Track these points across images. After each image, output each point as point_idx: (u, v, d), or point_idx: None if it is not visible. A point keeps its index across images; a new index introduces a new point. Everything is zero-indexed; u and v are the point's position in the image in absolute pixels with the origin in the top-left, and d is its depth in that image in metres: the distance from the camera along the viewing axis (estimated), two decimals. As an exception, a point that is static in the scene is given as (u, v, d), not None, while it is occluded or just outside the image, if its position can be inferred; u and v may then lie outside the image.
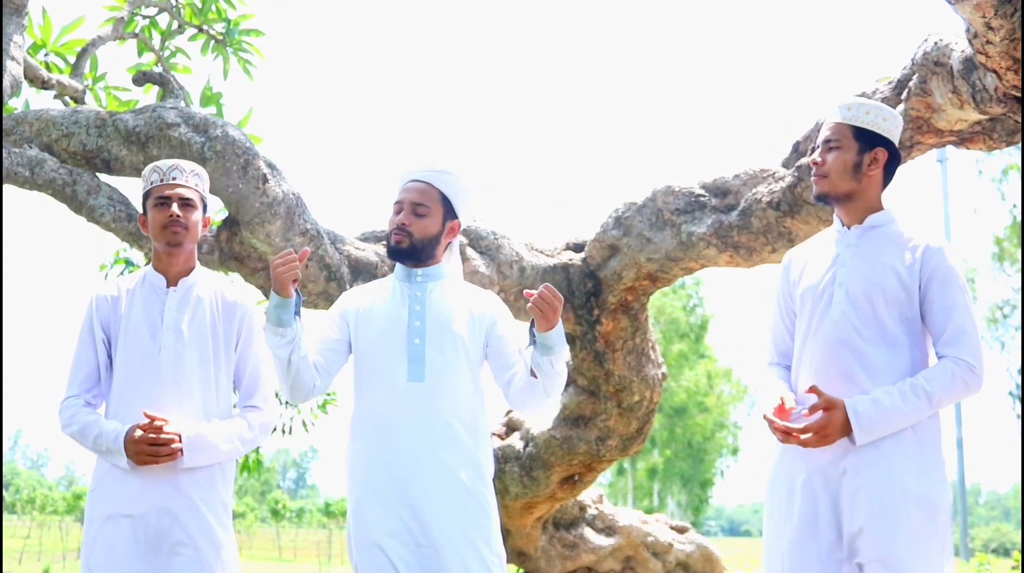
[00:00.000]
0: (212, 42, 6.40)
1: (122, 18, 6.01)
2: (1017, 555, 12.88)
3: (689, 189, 5.07)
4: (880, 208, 2.84)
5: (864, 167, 2.79)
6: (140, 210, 3.21)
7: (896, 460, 2.60)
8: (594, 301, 5.41)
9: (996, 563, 16.53)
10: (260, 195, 4.60)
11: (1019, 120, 3.98)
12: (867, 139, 2.79)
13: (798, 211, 4.66)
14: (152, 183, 3.12)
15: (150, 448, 2.88)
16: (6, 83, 4.64)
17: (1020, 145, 4.28)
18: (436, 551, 2.78)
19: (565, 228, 5.76)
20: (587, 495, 6.93)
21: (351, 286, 4.96)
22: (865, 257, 2.76)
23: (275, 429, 8.48)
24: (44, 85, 5.46)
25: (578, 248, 5.59)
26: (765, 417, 2.72)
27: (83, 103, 5.65)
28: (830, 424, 2.59)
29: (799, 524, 2.68)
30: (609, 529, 6.99)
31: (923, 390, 2.61)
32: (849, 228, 2.83)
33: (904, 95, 4.25)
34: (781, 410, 2.70)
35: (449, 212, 3.08)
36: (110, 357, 3.09)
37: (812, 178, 2.85)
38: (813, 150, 2.90)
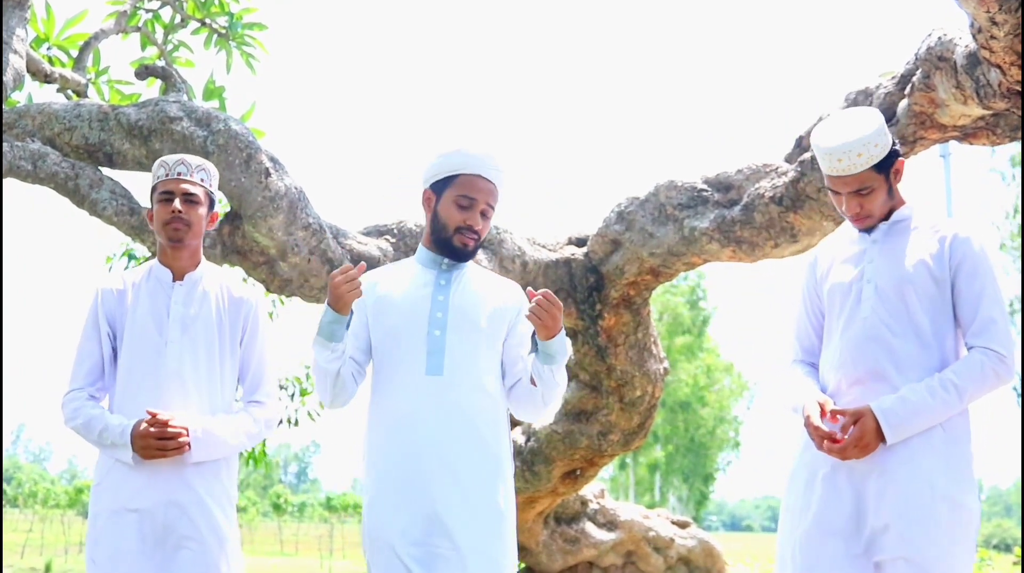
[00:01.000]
0: (215, 36, 6.40)
1: (125, 12, 6.01)
2: (1018, 551, 12.89)
3: (691, 184, 5.07)
4: (903, 202, 2.83)
5: (894, 185, 2.80)
6: (148, 204, 3.20)
7: (925, 459, 2.58)
8: (596, 296, 5.42)
9: (997, 559, 16.55)
10: (262, 189, 4.60)
11: (1022, 115, 3.98)
12: (886, 164, 2.76)
13: (800, 206, 4.65)
14: (158, 178, 3.11)
15: (158, 442, 2.88)
16: (8, 77, 4.64)
17: (1022, 140, 4.26)
18: (449, 552, 2.68)
19: (565, 226, 5.75)
20: (588, 490, 6.94)
21: (353, 280, 4.96)
22: (893, 252, 2.74)
23: (280, 422, 8.48)
24: (47, 79, 5.46)
25: (580, 243, 5.59)
26: (809, 422, 2.66)
27: (86, 97, 5.65)
28: (864, 434, 2.56)
29: (816, 517, 2.66)
30: (610, 524, 7.00)
31: (952, 384, 2.57)
32: (876, 226, 2.81)
33: (907, 90, 4.25)
34: (823, 415, 2.67)
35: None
36: (115, 350, 3.09)
37: (852, 220, 2.80)
38: (835, 192, 2.79)
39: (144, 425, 2.90)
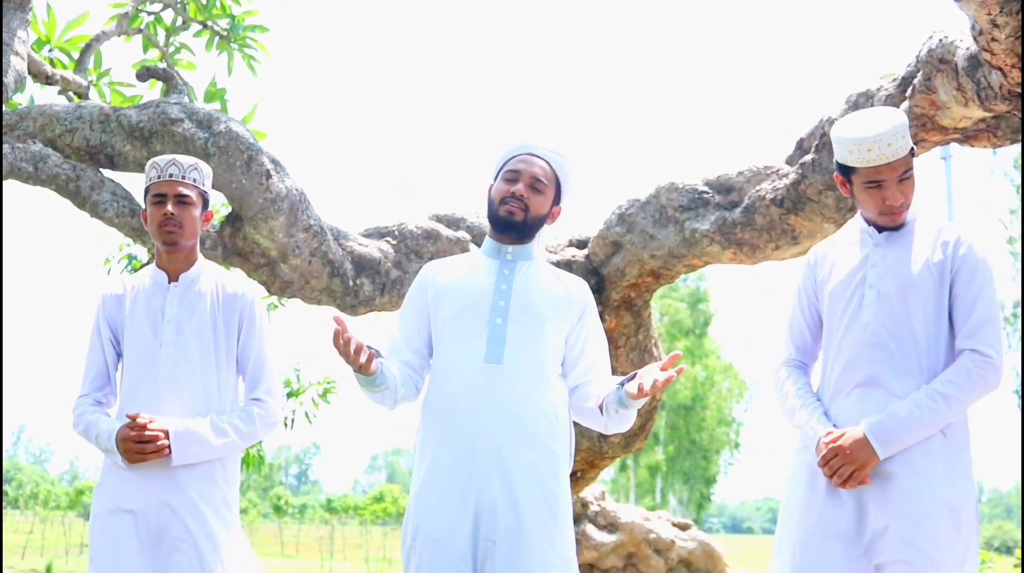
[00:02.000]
0: (216, 38, 6.40)
1: (126, 14, 6.01)
2: (1019, 553, 12.88)
3: (693, 186, 5.06)
4: None
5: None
6: (142, 205, 3.21)
7: (925, 462, 2.58)
8: (597, 298, 5.41)
9: (998, 561, 16.53)
10: (263, 191, 4.61)
11: (1023, 117, 3.97)
12: (912, 152, 2.74)
13: (802, 208, 4.65)
14: (150, 179, 3.11)
15: (137, 445, 2.89)
16: (10, 78, 4.65)
17: (1022, 143, 4.26)
18: (495, 551, 2.59)
19: (566, 228, 5.75)
20: (589, 492, 6.94)
21: (354, 282, 4.96)
22: (897, 256, 2.73)
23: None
24: (48, 81, 5.46)
25: (581, 245, 5.59)
26: (823, 445, 2.64)
27: (87, 99, 5.66)
28: (854, 456, 2.57)
29: (818, 518, 2.65)
30: (611, 526, 7.00)
31: (939, 394, 2.57)
32: (879, 230, 2.78)
33: (909, 92, 4.25)
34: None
35: (557, 196, 2.93)
36: (119, 355, 3.11)
37: (888, 215, 2.73)
38: (874, 184, 2.70)
39: (124, 428, 2.91)
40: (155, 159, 3.14)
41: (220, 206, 5.23)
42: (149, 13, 6.31)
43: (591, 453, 5.79)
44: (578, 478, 6.05)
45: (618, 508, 7.15)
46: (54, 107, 4.82)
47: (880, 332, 2.67)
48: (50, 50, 5.93)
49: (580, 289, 2.95)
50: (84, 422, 3.03)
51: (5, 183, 4.59)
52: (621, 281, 5.32)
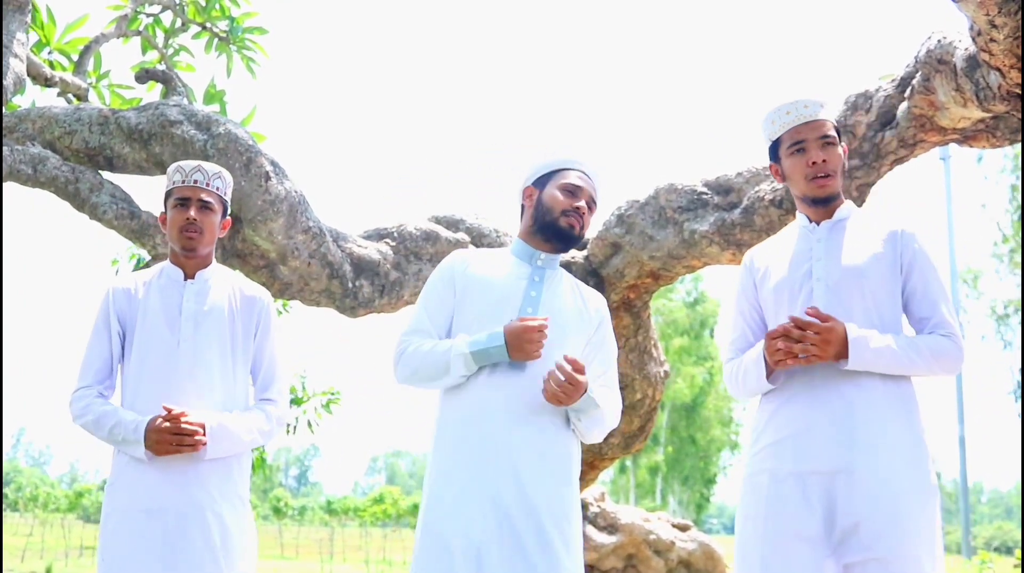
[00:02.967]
0: (216, 40, 6.41)
1: (126, 16, 6.02)
2: (1019, 553, 12.88)
3: (692, 187, 5.07)
4: (843, 201, 2.87)
5: (845, 164, 2.86)
6: (148, 207, 3.22)
7: (889, 457, 2.59)
8: (597, 299, 5.42)
9: (998, 561, 16.52)
10: (262, 193, 4.61)
11: (1022, 118, 3.98)
12: (839, 135, 2.85)
13: (801, 209, 4.65)
14: (174, 183, 3.13)
15: (174, 437, 2.88)
16: (9, 81, 4.65)
17: (1022, 143, 4.27)
18: (509, 555, 2.59)
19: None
20: (589, 493, 6.94)
21: (353, 284, 4.96)
22: (841, 249, 2.77)
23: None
24: (47, 83, 5.47)
25: (581, 246, 5.59)
26: (770, 337, 2.63)
27: (86, 101, 5.66)
28: (833, 332, 2.57)
29: (784, 523, 2.63)
30: (611, 527, 7.00)
31: (914, 342, 2.64)
32: (819, 224, 2.83)
33: (907, 93, 4.25)
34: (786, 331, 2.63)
35: None
36: (123, 349, 3.10)
37: (814, 180, 2.79)
38: (798, 147, 2.80)
39: (159, 420, 2.89)
40: (180, 163, 3.16)
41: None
42: (148, 15, 6.31)
43: (591, 454, 5.79)
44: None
45: (618, 509, 7.15)
46: (53, 109, 4.82)
47: None
48: (49, 52, 5.93)
49: (598, 301, 3.01)
50: (94, 413, 2.98)
51: (4, 185, 4.59)
52: (620, 282, 5.32)
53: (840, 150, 2.82)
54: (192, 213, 3.06)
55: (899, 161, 4.51)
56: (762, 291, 2.87)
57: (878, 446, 2.60)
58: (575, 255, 5.50)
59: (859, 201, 4.60)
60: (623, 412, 5.67)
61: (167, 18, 6.38)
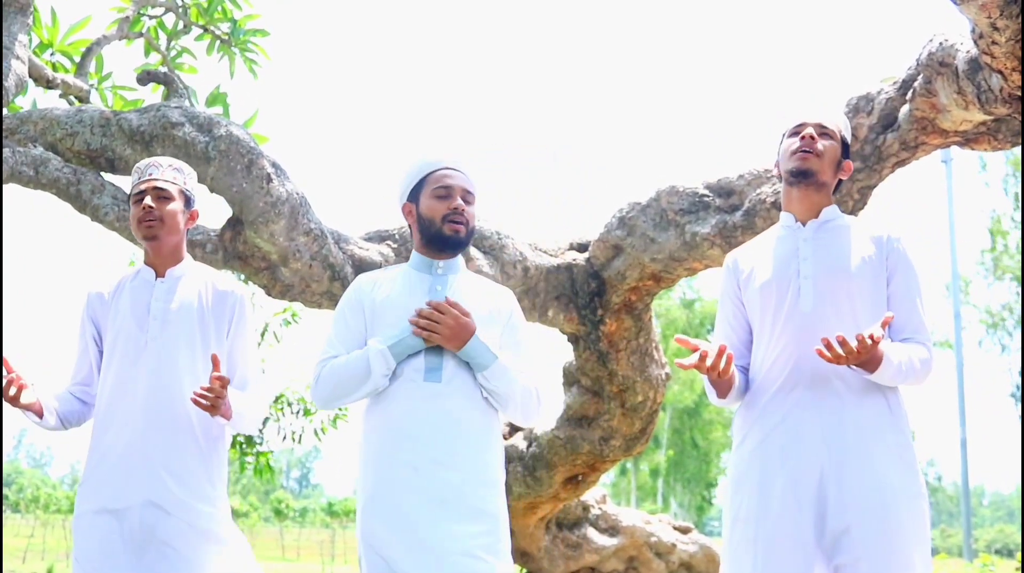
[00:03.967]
0: (218, 42, 6.42)
1: (128, 18, 6.03)
2: (1020, 556, 12.88)
3: (693, 189, 5.07)
4: (832, 204, 2.90)
5: (839, 171, 2.88)
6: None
7: (881, 459, 2.61)
8: (598, 301, 5.42)
9: (1000, 564, 16.50)
10: (264, 194, 4.61)
11: (1023, 120, 3.98)
12: (845, 150, 2.90)
13: (802, 211, 4.65)
14: (133, 183, 3.18)
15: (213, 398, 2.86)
16: (11, 82, 4.65)
17: (1023, 146, 4.27)
18: (435, 558, 2.62)
19: (567, 232, 5.76)
20: (590, 495, 6.94)
21: (355, 286, 4.96)
22: (829, 249, 2.78)
23: (285, 437, 8.60)
24: (49, 84, 5.47)
25: (582, 248, 5.59)
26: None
27: (88, 102, 5.67)
28: (877, 351, 2.56)
29: (775, 526, 2.62)
30: (612, 529, 6.99)
31: (919, 360, 2.67)
32: (804, 224, 2.84)
33: (909, 95, 4.25)
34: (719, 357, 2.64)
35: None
36: (101, 353, 3.14)
37: (798, 154, 2.81)
38: (795, 132, 2.86)
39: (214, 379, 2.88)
40: (139, 163, 3.21)
41: (223, 207, 5.23)
42: (150, 17, 6.32)
43: (592, 457, 5.79)
44: (579, 482, 6.05)
45: (619, 511, 7.14)
46: (55, 111, 4.83)
47: (818, 321, 2.69)
48: (51, 54, 5.94)
49: (506, 298, 3.01)
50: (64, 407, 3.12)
51: (6, 187, 4.59)
52: (622, 284, 5.32)
53: (838, 152, 2.85)
54: (147, 201, 3.07)
55: (900, 164, 4.51)
56: (747, 292, 2.87)
57: (868, 449, 2.61)
58: (576, 257, 5.50)
59: (860, 203, 4.60)
60: (624, 414, 5.67)
61: (169, 20, 6.39)
